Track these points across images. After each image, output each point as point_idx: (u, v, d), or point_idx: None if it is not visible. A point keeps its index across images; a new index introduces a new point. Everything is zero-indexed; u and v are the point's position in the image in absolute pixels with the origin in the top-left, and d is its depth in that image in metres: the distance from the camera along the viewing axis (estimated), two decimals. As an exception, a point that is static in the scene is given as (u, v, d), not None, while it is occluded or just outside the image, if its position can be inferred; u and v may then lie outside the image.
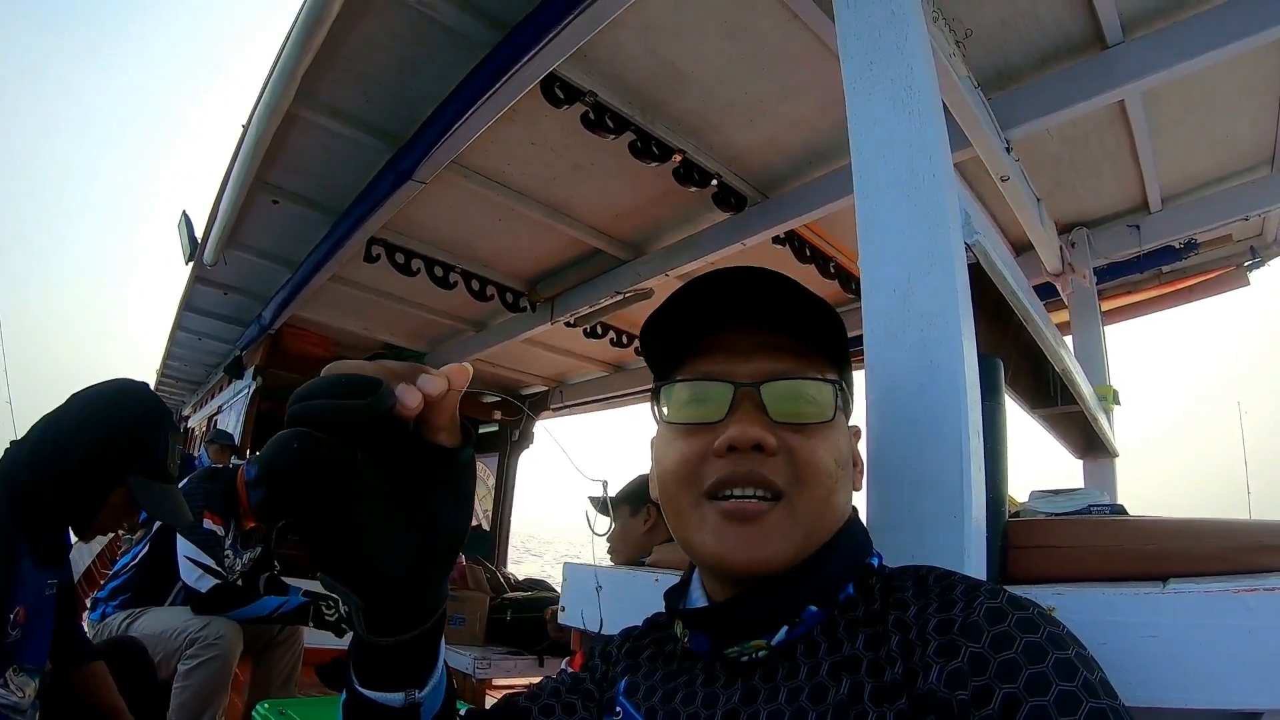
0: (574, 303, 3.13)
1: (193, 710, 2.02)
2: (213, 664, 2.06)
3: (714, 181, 2.26)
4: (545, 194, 2.52)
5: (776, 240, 2.47)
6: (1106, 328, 2.40)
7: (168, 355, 5.46)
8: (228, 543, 2.38)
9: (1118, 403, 2.13)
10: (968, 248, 0.88)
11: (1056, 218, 2.35)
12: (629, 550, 1.93)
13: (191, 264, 3.39)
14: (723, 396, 0.57)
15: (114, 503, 1.39)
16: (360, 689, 0.49)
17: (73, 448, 1.34)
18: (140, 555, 2.36)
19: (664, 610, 0.66)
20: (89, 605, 2.45)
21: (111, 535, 4.90)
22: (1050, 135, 1.99)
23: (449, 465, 0.45)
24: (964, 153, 1.72)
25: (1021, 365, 1.54)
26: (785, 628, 0.54)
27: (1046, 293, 2.39)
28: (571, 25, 1.55)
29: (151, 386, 1.53)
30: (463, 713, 0.59)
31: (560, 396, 4.91)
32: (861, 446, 0.66)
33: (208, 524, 2.29)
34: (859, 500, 0.76)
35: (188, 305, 4.08)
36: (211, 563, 2.23)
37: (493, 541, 5.18)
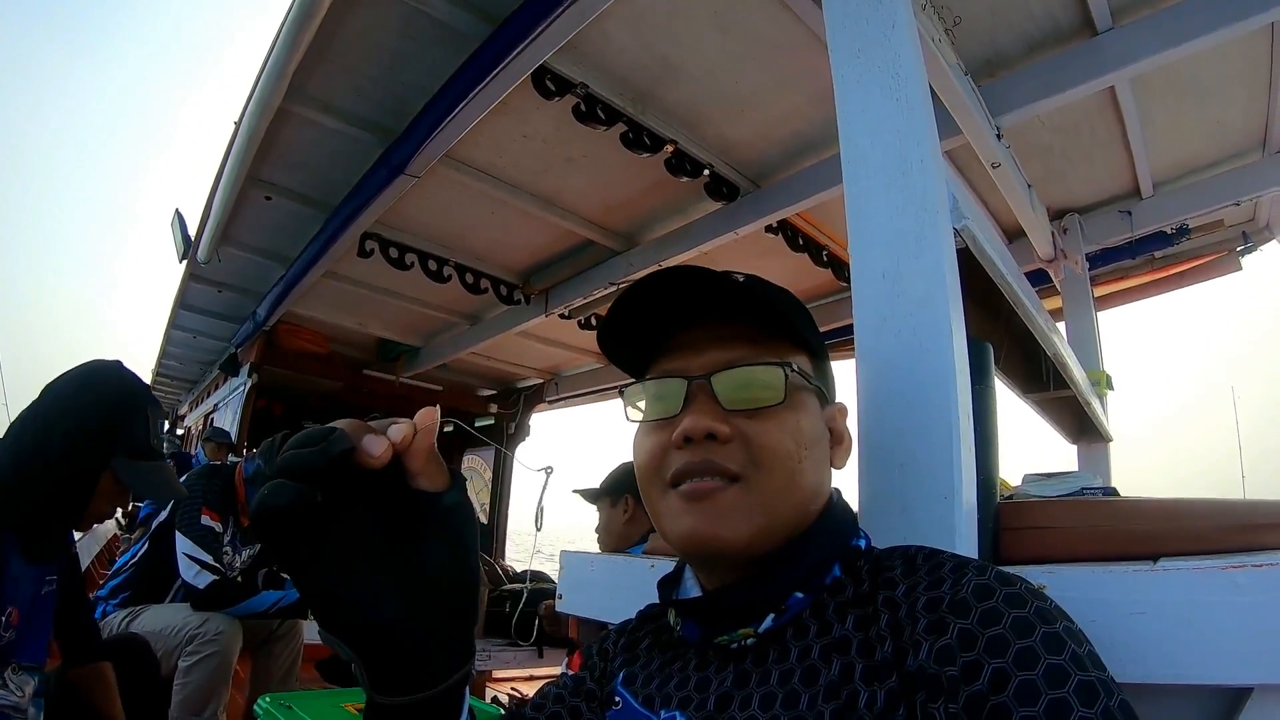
0: (568, 295, 3.14)
1: (194, 706, 2.03)
2: (212, 660, 2.06)
3: (706, 172, 2.26)
4: (538, 186, 2.52)
5: (769, 229, 2.48)
6: (1100, 314, 2.40)
7: (163, 354, 5.46)
8: (226, 539, 2.38)
9: (1111, 388, 2.14)
10: (956, 233, 0.88)
11: (1048, 204, 2.35)
12: (612, 541, 1.95)
13: (185, 262, 3.39)
14: (677, 391, 0.59)
15: (104, 488, 1.35)
16: None
17: (50, 440, 1.29)
18: (139, 554, 2.36)
19: (657, 601, 0.66)
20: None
21: (111, 536, 4.91)
22: (1041, 122, 2.00)
23: (435, 510, 0.44)
24: (955, 140, 1.72)
25: (1014, 350, 1.55)
26: (771, 615, 0.55)
27: (1039, 279, 2.39)
28: (562, 17, 1.55)
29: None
30: None
31: (556, 389, 4.92)
32: (852, 425, 0.66)
33: (206, 520, 2.30)
34: (850, 484, 0.76)
35: (182, 303, 4.07)
36: (210, 559, 2.24)
37: (491, 534, 5.20)
